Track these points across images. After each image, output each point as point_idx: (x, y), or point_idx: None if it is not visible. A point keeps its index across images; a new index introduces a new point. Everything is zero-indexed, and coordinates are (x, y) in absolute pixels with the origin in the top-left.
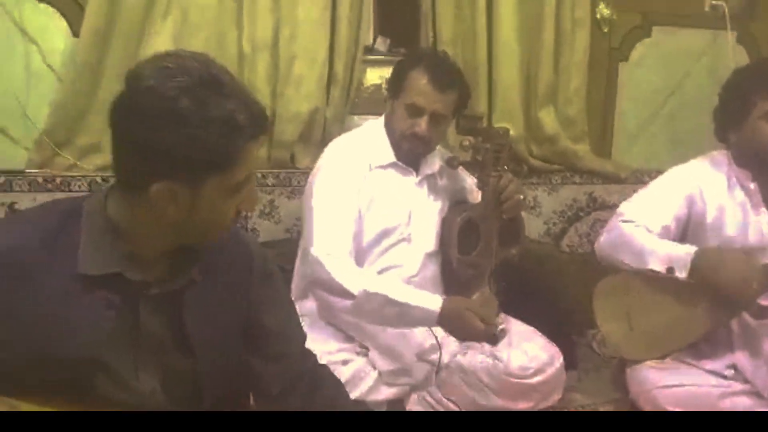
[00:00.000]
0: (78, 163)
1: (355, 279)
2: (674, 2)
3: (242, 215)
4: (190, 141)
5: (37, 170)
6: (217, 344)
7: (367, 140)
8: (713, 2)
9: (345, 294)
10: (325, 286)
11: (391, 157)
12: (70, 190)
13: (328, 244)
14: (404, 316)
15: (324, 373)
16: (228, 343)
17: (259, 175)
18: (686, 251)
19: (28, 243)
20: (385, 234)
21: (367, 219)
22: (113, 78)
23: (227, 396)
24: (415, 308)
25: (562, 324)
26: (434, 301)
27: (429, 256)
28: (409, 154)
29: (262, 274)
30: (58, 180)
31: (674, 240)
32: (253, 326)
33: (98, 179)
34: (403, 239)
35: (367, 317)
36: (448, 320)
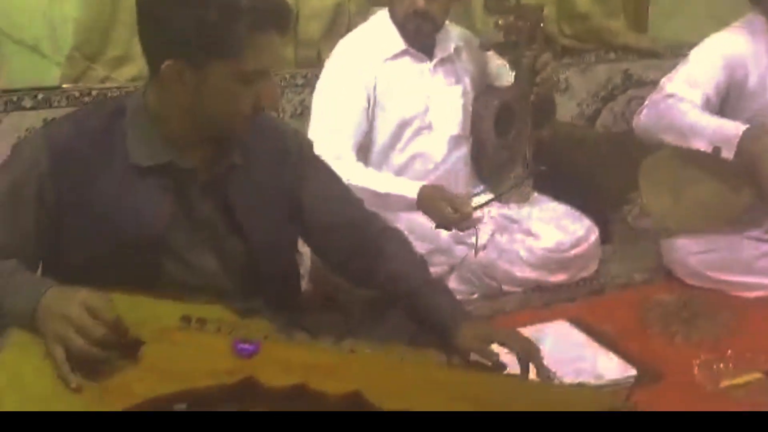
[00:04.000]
0: (111, 75)
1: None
2: None
3: (263, 110)
4: (191, 21)
5: (72, 85)
6: (266, 223)
7: (374, 32)
8: None
9: None
10: None
11: (400, 44)
12: None
13: (326, 139)
14: (387, 204)
15: (390, 238)
16: (276, 222)
17: (288, 76)
18: (734, 132)
19: (82, 139)
20: (404, 125)
21: (383, 113)
22: None
23: (281, 276)
24: (395, 196)
25: (596, 202)
26: (412, 189)
27: (454, 140)
28: (418, 35)
29: (298, 154)
30: (94, 93)
31: (714, 109)
32: (298, 202)
33: (132, 90)
34: (424, 127)
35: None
36: (424, 206)
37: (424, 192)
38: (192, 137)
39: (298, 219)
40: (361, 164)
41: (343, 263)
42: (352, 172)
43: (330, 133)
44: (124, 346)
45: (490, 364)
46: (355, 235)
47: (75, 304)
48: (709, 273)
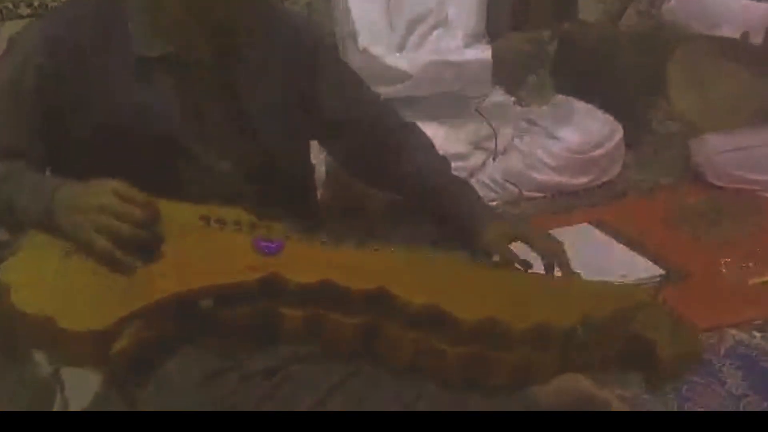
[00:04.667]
0: None
1: (408, 58)
2: None
3: None
4: None
5: None
6: (279, 122)
7: None
8: None
9: (402, 76)
10: (378, 77)
11: None
12: None
13: (372, 34)
14: (462, 74)
15: (411, 133)
16: (290, 120)
17: None
18: (764, 13)
19: (77, 28)
20: (417, 21)
21: (396, 9)
22: None
23: (298, 181)
24: (470, 62)
25: (620, 106)
26: (484, 51)
27: (471, 38)
28: None
29: (313, 48)
30: None
31: None
32: (312, 98)
33: None
34: (440, 23)
35: (425, 89)
36: (501, 61)
37: (497, 47)
38: (192, 26)
39: (313, 116)
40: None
41: (364, 162)
42: (419, 52)
43: (377, 24)
44: (146, 242)
45: (515, 263)
46: (375, 131)
47: (107, 193)
48: (739, 172)
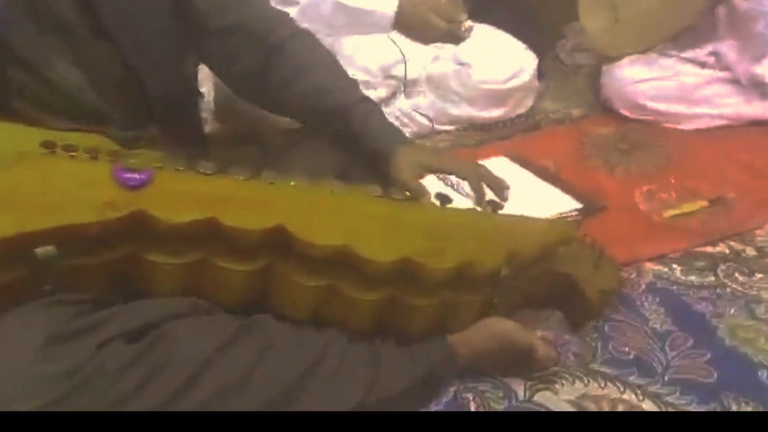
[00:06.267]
0: None
1: None
2: None
3: None
4: None
5: None
6: (141, 24)
7: None
8: None
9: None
10: None
11: None
12: None
13: None
14: (356, 22)
15: (307, 45)
16: (154, 23)
17: None
18: None
19: None
20: None
21: None
22: None
23: (171, 95)
24: (368, 13)
25: (530, 36)
26: (388, 3)
27: None
28: None
29: None
30: None
31: None
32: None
33: None
34: None
35: (315, 25)
36: (406, 22)
37: (405, 5)
38: None
39: (189, 23)
40: None
41: (254, 80)
42: None
43: None
44: None
45: (430, 196)
46: (262, 39)
47: None
48: (649, 103)
